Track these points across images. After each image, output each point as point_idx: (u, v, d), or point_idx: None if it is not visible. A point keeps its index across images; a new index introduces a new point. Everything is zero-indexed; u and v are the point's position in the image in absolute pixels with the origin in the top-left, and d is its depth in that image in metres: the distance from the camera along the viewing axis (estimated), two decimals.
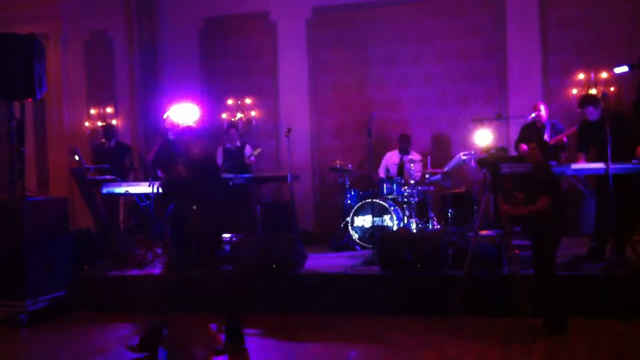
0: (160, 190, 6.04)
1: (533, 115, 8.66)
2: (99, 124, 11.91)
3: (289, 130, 9.38)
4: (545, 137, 8.52)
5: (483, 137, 7.05)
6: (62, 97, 12.28)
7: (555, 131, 8.64)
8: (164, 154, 9.20)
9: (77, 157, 9.48)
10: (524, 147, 8.41)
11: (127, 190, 8.99)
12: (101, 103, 12.02)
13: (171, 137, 9.18)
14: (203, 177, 5.98)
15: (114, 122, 11.83)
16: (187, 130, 8.72)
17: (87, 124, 12.02)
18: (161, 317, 6.06)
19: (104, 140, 10.77)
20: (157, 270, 8.33)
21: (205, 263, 6.01)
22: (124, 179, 9.72)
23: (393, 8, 10.87)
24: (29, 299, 7.51)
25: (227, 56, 11.66)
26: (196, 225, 5.88)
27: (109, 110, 12.00)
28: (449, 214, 9.56)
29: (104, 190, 9.13)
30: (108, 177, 9.29)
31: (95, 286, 8.24)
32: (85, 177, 9.32)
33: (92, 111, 12.07)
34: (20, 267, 7.47)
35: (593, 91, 9.71)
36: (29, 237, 7.55)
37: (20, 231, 7.51)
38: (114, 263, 8.60)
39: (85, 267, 8.52)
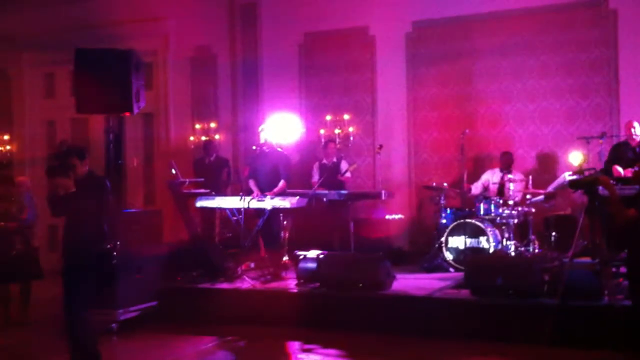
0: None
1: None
2: (203, 138, 12.13)
3: (380, 147, 9.19)
4: None
5: (576, 158, 6.61)
6: (168, 112, 12.56)
7: None
8: (258, 166, 9.26)
9: (173, 171, 9.72)
10: (617, 169, 7.79)
11: (219, 204, 9.10)
12: (205, 118, 12.14)
13: (266, 149, 9.23)
14: (85, 194, 5.83)
15: (216, 136, 11.98)
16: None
17: (192, 138, 12.26)
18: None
19: (204, 154, 10.99)
20: (245, 284, 8.38)
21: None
22: (220, 193, 9.86)
23: (494, 21, 10.38)
24: (120, 308, 7.71)
25: (326, 71, 11.54)
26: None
27: (212, 125, 12.14)
28: (552, 237, 9.04)
29: (198, 204, 9.29)
30: (202, 190, 9.45)
31: (185, 297, 8.37)
32: (180, 190, 9.53)
33: (197, 126, 12.23)
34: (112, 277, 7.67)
35: None
36: (122, 247, 7.70)
37: None
38: (205, 275, 8.69)
39: (178, 277, 8.68)
